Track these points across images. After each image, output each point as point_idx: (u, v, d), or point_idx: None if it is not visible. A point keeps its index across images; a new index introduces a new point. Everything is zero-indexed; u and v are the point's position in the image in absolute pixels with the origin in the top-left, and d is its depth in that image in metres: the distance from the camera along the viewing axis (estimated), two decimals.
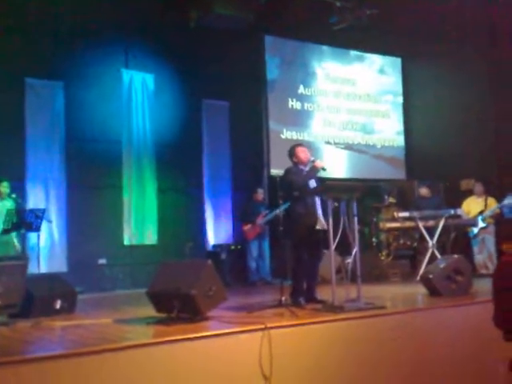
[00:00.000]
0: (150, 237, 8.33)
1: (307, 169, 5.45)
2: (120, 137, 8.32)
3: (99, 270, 7.85)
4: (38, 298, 5.24)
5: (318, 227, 5.30)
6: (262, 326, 4.04)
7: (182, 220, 8.63)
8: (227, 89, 8.90)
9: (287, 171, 5.50)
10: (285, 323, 4.24)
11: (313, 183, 5.35)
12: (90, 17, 7.75)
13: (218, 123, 9.20)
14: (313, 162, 5.47)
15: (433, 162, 9.66)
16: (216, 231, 8.97)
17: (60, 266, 7.58)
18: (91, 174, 7.92)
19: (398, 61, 11.09)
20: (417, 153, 10.57)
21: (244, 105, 9.10)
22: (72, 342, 4.11)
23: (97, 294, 7.22)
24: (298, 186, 5.30)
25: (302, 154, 5.51)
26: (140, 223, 8.31)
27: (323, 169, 5.39)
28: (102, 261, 7.93)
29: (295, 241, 5.38)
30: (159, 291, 4.64)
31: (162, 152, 8.55)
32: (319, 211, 5.34)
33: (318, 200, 5.36)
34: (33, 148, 7.64)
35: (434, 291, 5.61)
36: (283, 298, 5.01)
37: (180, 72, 8.66)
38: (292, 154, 5.54)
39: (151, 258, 7.95)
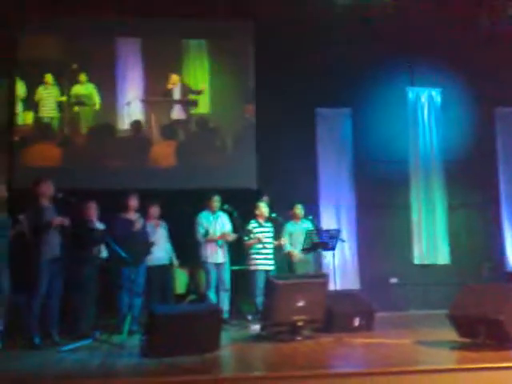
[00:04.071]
0: (442, 256, 7.99)
1: None
2: (406, 155, 8.22)
3: (391, 289, 7.83)
4: (338, 315, 5.46)
5: None
6: None
7: (477, 238, 8.03)
8: None
9: None
10: None
11: None
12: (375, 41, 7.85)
13: None
14: None
15: None
16: None
17: (353, 283, 7.78)
18: (379, 195, 7.95)
19: None
20: None
21: None
22: (374, 360, 4.16)
23: (390, 313, 7.19)
24: None
25: None
26: (431, 242, 8.04)
27: None
28: (394, 280, 7.90)
29: None
30: (462, 315, 4.41)
31: (452, 168, 8.14)
32: None
33: None
34: (324, 172, 8.05)
35: None
36: None
37: (468, 82, 8.15)
38: None
39: (444, 278, 7.64)
